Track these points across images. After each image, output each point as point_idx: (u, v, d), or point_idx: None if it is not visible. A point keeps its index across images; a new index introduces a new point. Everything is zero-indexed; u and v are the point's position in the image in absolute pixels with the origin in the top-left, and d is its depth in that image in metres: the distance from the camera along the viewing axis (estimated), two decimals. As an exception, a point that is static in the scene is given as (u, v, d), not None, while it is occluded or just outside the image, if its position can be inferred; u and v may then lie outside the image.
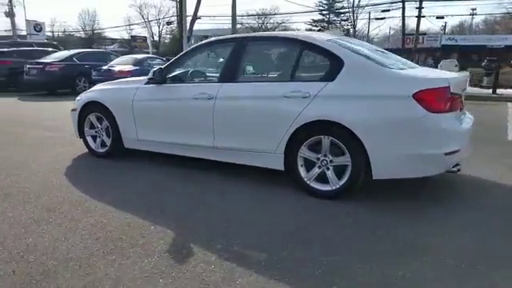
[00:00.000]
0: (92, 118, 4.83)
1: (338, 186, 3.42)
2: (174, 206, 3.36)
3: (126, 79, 5.52)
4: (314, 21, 53.42)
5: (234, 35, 4.41)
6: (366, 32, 52.40)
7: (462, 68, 23.93)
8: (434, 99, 3.12)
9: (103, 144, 4.82)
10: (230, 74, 3.94)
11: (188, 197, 3.58)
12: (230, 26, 25.57)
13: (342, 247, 2.64)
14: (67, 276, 2.29)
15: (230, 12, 25.12)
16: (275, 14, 57.24)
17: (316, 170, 3.51)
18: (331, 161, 3.43)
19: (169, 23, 60.24)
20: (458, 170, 3.43)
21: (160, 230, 2.89)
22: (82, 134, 4.96)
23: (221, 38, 4.30)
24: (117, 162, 4.67)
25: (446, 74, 3.60)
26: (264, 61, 4.11)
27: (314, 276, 2.31)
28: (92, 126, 4.88)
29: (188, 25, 21.85)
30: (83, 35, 69.78)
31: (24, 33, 33.12)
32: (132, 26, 63.99)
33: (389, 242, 2.71)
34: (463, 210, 3.28)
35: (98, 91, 4.88)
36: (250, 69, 4.00)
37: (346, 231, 2.88)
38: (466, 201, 3.52)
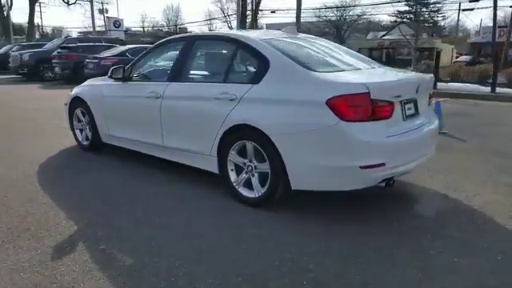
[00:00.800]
0: (78, 112, 5.13)
1: (260, 194, 3.27)
2: (102, 204, 3.47)
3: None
4: (400, 12, 50.02)
5: (183, 34, 4.39)
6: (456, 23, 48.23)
7: None
8: (347, 106, 2.82)
9: (87, 138, 5.11)
10: (175, 73, 3.94)
11: (124, 197, 3.68)
12: (309, 19, 25.19)
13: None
14: None
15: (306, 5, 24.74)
16: (355, 6, 55.21)
17: (243, 176, 3.39)
18: (256, 167, 3.29)
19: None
20: (389, 185, 3.07)
21: (68, 225, 3.02)
22: (72, 128, 5.31)
23: (174, 36, 4.31)
24: (96, 155, 4.93)
25: (374, 78, 3.24)
26: (205, 61, 4.03)
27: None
28: (79, 120, 5.19)
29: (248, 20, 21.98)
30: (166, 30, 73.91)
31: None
32: (212, 21, 66.38)
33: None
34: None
35: (82, 87, 5.17)
36: (192, 68, 3.95)
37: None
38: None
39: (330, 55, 3.67)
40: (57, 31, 69.15)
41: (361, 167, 2.84)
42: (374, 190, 3.18)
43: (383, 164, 2.90)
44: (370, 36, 54.39)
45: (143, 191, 3.74)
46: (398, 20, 48.41)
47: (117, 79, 4.46)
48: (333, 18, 56.73)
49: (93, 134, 4.94)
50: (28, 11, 35.65)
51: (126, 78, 4.41)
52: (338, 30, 56.27)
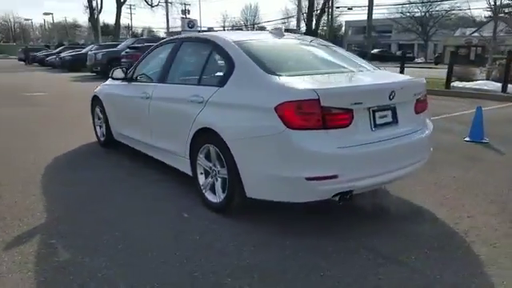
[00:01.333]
0: (97, 110, 5.46)
1: (220, 200, 3.21)
2: (82, 200, 3.66)
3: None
4: (496, 6, 45.36)
5: (176, 36, 4.41)
6: None
7: None
8: (294, 113, 2.63)
9: (103, 134, 5.41)
10: (163, 74, 4.01)
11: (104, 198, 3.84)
12: (392, 15, 24.29)
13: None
14: None
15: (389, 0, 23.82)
16: (443, 0, 51.49)
17: (209, 180, 3.35)
18: (218, 172, 3.23)
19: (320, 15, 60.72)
20: (344, 200, 2.81)
21: (40, 217, 3.23)
22: (93, 124, 5.66)
23: (168, 38, 4.37)
24: (109, 152, 5.21)
25: (332, 84, 2.98)
26: (186, 62, 4.00)
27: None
28: (99, 118, 5.51)
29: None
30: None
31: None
32: (289, 19, 66.31)
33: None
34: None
35: (102, 86, 5.46)
36: (176, 70, 3.97)
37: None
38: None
39: (310, 57, 3.48)
40: (145, 31, 74.49)
41: (307, 179, 2.65)
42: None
43: (335, 176, 2.67)
44: (457, 33, 50.49)
45: (126, 190, 3.86)
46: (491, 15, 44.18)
47: (121, 79, 4.65)
48: (417, 14, 53.64)
49: (106, 131, 5.22)
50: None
51: (129, 79, 4.59)
52: (423, 26, 53.09)
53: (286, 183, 2.75)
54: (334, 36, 28.65)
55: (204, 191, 3.38)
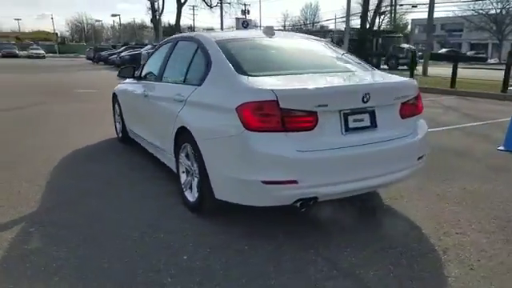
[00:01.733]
0: (116, 107, 5.70)
1: (194, 200, 3.20)
2: (80, 192, 3.84)
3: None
4: None
5: (176, 35, 4.43)
6: None
7: None
8: (252, 115, 2.55)
9: (120, 131, 5.63)
10: (159, 73, 4.10)
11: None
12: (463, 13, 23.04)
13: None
14: None
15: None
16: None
17: (189, 179, 3.35)
18: (195, 171, 3.22)
19: (380, 13, 58.49)
20: (306, 206, 2.66)
21: (33, 206, 3.44)
22: (114, 120, 5.91)
23: (170, 37, 4.43)
24: (124, 147, 5.42)
25: (295, 84, 2.82)
26: (177, 61, 3.98)
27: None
28: (117, 114, 5.75)
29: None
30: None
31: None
32: (351, 18, 64.74)
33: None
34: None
35: (121, 83, 5.68)
36: (169, 68, 4.00)
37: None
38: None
39: (291, 57, 3.37)
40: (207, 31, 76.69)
41: (264, 182, 2.56)
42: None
43: (294, 182, 2.55)
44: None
45: (122, 186, 3.98)
46: None
47: (129, 78, 4.80)
48: (492, 11, 50.11)
49: (122, 128, 5.43)
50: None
51: (137, 77, 4.73)
52: (498, 24, 49.48)
53: (244, 186, 2.68)
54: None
55: (184, 190, 3.40)
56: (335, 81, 2.96)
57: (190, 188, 3.32)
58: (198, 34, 3.72)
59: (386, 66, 24.95)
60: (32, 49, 47.15)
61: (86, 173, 4.37)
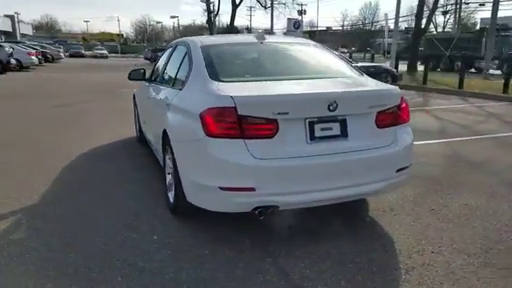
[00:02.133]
0: (135, 107, 5.95)
1: (173, 201, 3.27)
2: (82, 188, 4.08)
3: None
4: None
5: (180, 39, 4.52)
6: None
7: None
8: (212, 121, 2.57)
9: (138, 131, 5.87)
10: (159, 76, 4.23)
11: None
12: None
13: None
14: None
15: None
16: None
17: (171, 180, 3.43)
18: (173, 173, 3.29)
19: (444, 13, 55.40)
20: (263, 215, 2.63)
21: (35, 199, 3.72)
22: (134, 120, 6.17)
23: (172, 41, 4.55)
24: (142, 146, 5.66)
25: (259, 91, 2.78)
26: (172, 65, 4.04)
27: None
28: (135, 115, 5.99)
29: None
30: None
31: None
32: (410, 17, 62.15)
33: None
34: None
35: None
36: (165, 72, 4.11)
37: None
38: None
39: (272, 63, 3.36)
40: (272, 32, 77.49)
41: (221, 188, 2.57)
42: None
43: (252, 189, 2.54)
44: None
45: (116, 185, 4.17)
46: None
47: (137, 80, 4.98)
48: None
49: (138, 127, 5.66)
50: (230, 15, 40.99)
51: (147, 79, 4.91)
52: None
53: (205, 191, 2.71)
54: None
55: (168, 191, 3.49)
56: (302, 88, 2.89)
57: (172, 190, 3.41)
58: (188, 39, 3.80)
59: (498, 72, 20.69)
60: (96, 49, 50.36)
61: (93, 170, 4.62)
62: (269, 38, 3.66)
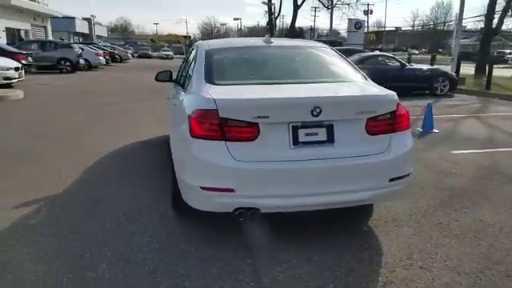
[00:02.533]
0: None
1: (172, 200, 3.41)
2: (92, 185, 4.38)
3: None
4: None
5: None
6: None
7: None
8: (197, 122, 2.67)
9: (171, 129, 6.14)
10: (179, 78, 4.39)
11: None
12: None
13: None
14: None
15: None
16: None
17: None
18: (175, 172, 3.44)
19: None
20: (242, 216, 2.66)
21: (41, 196, 4.06)
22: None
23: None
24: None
25: (243, 95, 2.81)
26: (187, 67, 4.15)
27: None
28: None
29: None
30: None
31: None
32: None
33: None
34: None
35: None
36: (182, 74, 4.25)
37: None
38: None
39: (270, 67, 3.37)
40: (331, 33, 76.80)
41: (202, 188, 2.66)
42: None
43: (231, 190, 2.59)
44: None
45: (132, 180, 4.41)
46: None
47: (164, 81, 5.19)
48: None
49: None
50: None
51: (174, 80, 5.12)
52: None
53: (190, 190, 2.81)
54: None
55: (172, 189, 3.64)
56: (286, 93, 2.88)
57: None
58: (199, 43, 3.94)
59: None
60: (163, 50, 52.76)
61: (115, 167, 4.89)
62: (276, 42, 3.69)
